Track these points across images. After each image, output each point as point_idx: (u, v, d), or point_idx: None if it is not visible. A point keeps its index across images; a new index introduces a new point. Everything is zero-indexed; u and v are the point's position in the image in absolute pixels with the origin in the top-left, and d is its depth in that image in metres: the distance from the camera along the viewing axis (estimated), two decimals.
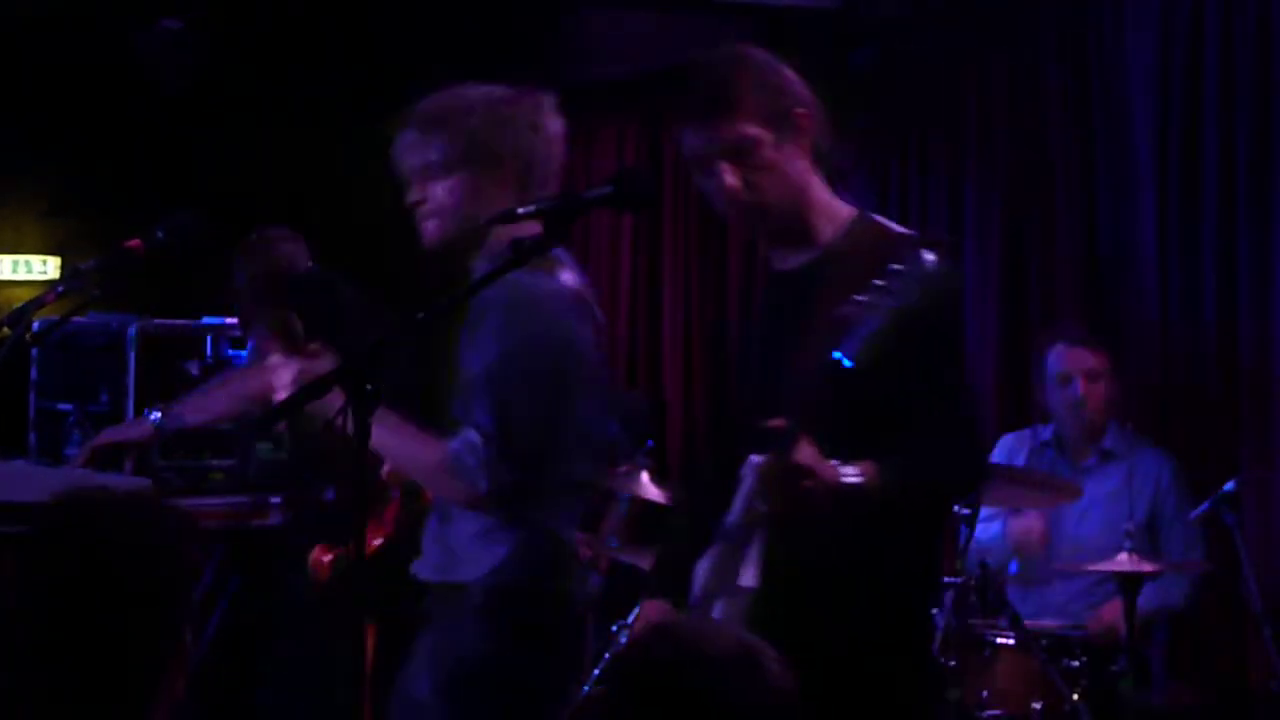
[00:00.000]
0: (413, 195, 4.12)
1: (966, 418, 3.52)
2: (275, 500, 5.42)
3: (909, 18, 7.95)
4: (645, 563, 6.02)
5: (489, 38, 9.30)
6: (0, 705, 2.47)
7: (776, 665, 2.53)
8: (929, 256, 3.24)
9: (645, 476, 6.49)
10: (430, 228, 4.15)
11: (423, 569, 4.01)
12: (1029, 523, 6.29)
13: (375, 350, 3.59)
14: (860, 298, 3.16)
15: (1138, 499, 6.35)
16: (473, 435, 3.85)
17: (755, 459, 3.31)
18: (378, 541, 4.28)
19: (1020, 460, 6.50)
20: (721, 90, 3.58)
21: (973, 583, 5.75)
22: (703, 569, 3.44)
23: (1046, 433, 6.59)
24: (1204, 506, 6.09)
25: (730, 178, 3.55)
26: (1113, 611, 5.91)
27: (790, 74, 3.67)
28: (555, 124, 4.19)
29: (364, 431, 3.35)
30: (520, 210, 3.58)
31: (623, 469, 6.51)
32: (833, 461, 3.26)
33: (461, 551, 3.93)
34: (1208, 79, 6.97)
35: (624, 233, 9.28)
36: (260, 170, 9.35)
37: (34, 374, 7.23)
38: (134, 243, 4.82)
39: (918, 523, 3.52)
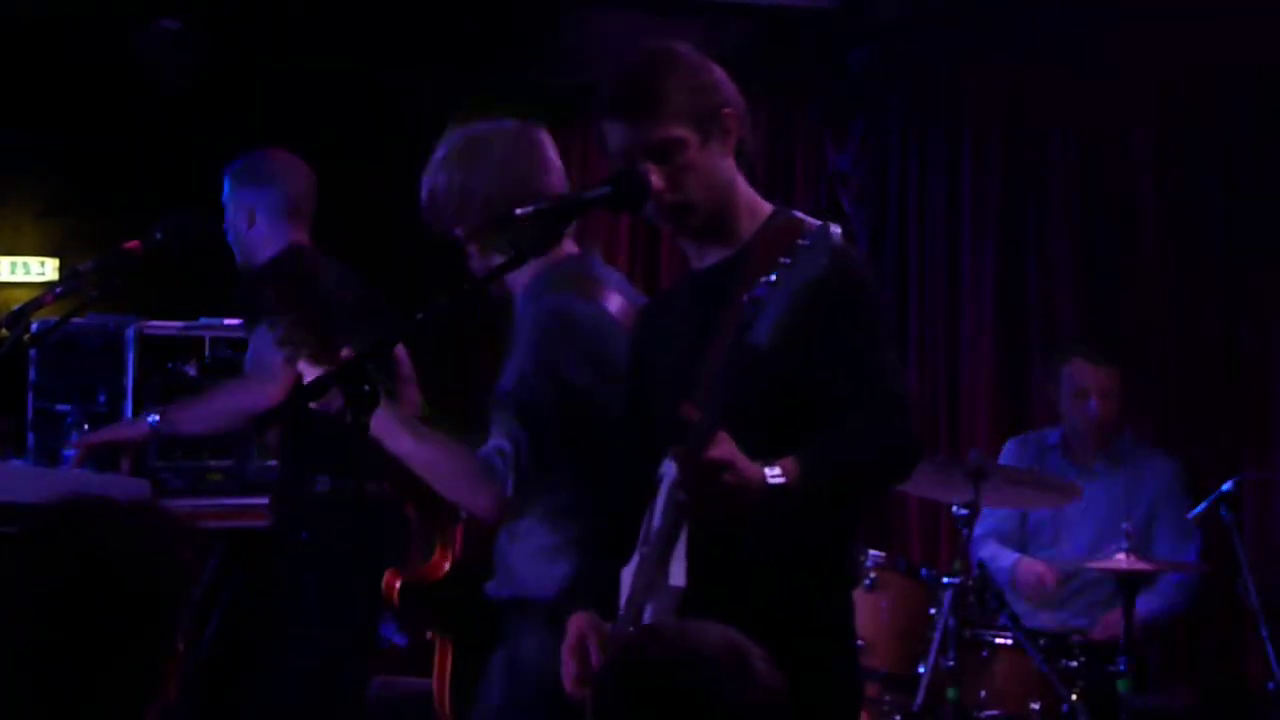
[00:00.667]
0: None
1: (893, 395, 3.38)
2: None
3: (909, 18, 7.95)
4: None
5: (489, 38, 9.31)
6: None
7: (764, 664, 2.53)
8: (835, 231, 3.23)
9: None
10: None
11: (493, 587, 4.07)
12: (1039, 573, 6.30)
13: (373, 351, 3.60)
14: (767, 279, 3.13)
15: (1138, 502, 6.38)
16: (503, 442, 3.90)
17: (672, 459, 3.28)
18: (447, 565, 4.31)
19: (1026, 465, 6.52)
20: (648, 90, 3.57)
21: (971, 583, 5.76)
22: (629, 573, 3.40)
23: (1054, 436, 6.63)
24: (1202, 506, 6.11)
25: (655, 178, 3.53)
26: (1116, 619, 5.93)
27: (719, 71, 3.67)
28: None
29: (362, 431, 3.36)
30: (519, 211, 3.59)
31: None
32: (756, 463, 3.21)
33: (526, 569, 3.99)
34: (1207, 80, 6.98)
35: (621, 233, 9.27)
36: None
37: (32, 375, 7.22)
38: (132, 244, 4.83)
39: (841, 511, 3.47)
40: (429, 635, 4.35)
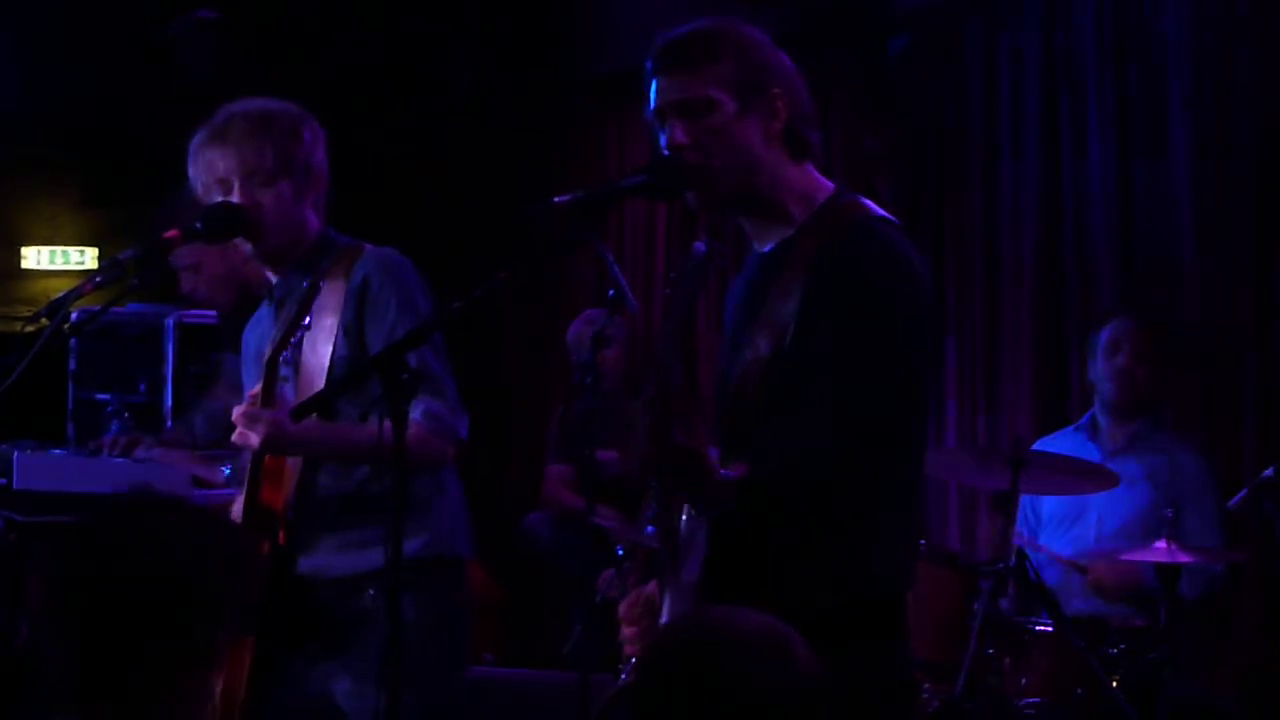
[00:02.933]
0: None
1: (840, 413, 3.33)
2: (225, 468, 5.42)
3: (944, 5, 7.93)
4: None
5: (520, 25, 9.32)
6: (42, 698, 2.48)
7: (804, 650, 2.53)
8: (866, 239, 3.29)
9: None
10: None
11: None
12: (1117, 574, 6.28)
13: (411, 340, 3.61)
14: (796, 284, 3.18)
15: (1162, 487, 6.35)
16: (430, 403, 4.13)
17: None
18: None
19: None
20: (696, 49, 3.60)
21: (1010, 571, 5.74)
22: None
23: (1083, 419, 6.62)
24: (1241, 494, 6.09)
25: (679, 132, 3.55)
26: (1113, 572, 5.97)
27: (783, 60, 3.65)
28: None
29: (401, 420, 3.38)
30: (557, 201, 3.60)
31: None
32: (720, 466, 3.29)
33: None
34: (1241, 63, 6.96)
35: (658, 221, 9.27)
36: None
37: (72, 364, 7.24)
38: (172, 233, 4.83)
39: (851, 512, 3.41)
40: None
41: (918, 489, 3.57)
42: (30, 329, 5.06)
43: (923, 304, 3.48)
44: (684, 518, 3.43)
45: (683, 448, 3.29)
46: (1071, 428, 6.69)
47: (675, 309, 3.54)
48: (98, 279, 4.91)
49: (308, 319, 4.21)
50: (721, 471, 3.30)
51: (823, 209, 3.54)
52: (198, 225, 4.62)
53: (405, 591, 3.70)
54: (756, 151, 3.55)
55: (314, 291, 4.20)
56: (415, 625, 4.00)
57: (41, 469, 5.24)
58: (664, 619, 3.48)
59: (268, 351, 4.21)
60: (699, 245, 3.57)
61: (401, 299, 4.28)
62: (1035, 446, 6.53)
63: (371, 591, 4.18)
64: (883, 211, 3.56)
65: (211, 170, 4.40)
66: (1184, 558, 5.74)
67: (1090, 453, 6.45)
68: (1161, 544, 5.70)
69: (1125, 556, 6.02)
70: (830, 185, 3.62)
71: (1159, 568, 5.80)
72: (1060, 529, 6.53)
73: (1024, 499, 6.39)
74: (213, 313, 6.16)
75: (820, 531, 3.38)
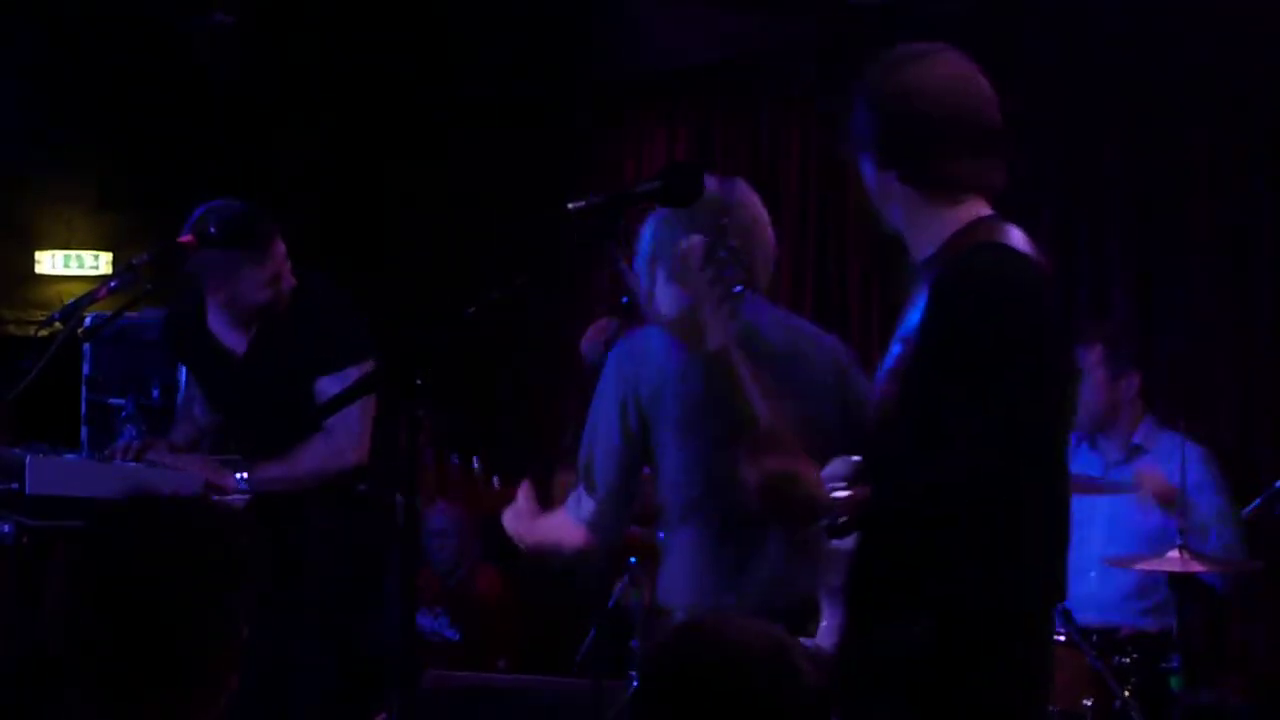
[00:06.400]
0: None
1: (957, 439, 3.35)
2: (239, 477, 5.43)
3: (963, 13, 7.92)
4: None
5: (540, 30, 9.32)
6: (57, 697, 2.49)
7: (808, 662, 2.52)
8: (965, 265, 3.38)
9: None
10: None
11: None
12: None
13: (425, 346, 3.61)
14: (918, 308, 3.29)
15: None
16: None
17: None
18: None
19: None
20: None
21: None
22: None
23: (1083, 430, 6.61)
24: (1256, 503, 6.07)
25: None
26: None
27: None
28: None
29: (415, 426, 3.39)
30: (571, 206, 3.60)
31: None
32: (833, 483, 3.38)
33: None
34: (1258, 74, 6.96)
35: None
36: (312, 166, 9.39)
37: (86, 369, 7.26)
38: (186, 238, 4.83)
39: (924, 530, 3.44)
40: None
41: (1037, 509, 3.51)
42: (44, 333, 5.07)
43: (1019, 327, 3.44)
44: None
45: (777, 475, 3.38)
46: (1073, 437, 6.66)
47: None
48: (112, 284, 4.92)
49: None
50: (840, 491, 3.38)
51: (956, 233, 3.57)
52: (212, 230, 4.62)
53: None
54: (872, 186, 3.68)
55: None
56: None
57: (54, 473, 5.23)
58: (824, 624, 3.58)
59: None
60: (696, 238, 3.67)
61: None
62: None
63: None
64: (1013, 240, 3.56)
65: None
66: (1197, 567, 5.73)
67: (1092, 465, 6.43)
68: (1174, 553, 5.69)
69: (1138, 567, 6.00)
70: (981, 213, 3.63)
71: (1172, 576, 5.78)
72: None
73: None
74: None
75: (929, 552, 3.42)
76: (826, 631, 3.63)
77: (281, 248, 5.44)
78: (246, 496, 5.38)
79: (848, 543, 3.49)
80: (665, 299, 4.28)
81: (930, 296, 3.42)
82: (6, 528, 5.19)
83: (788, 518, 3.55)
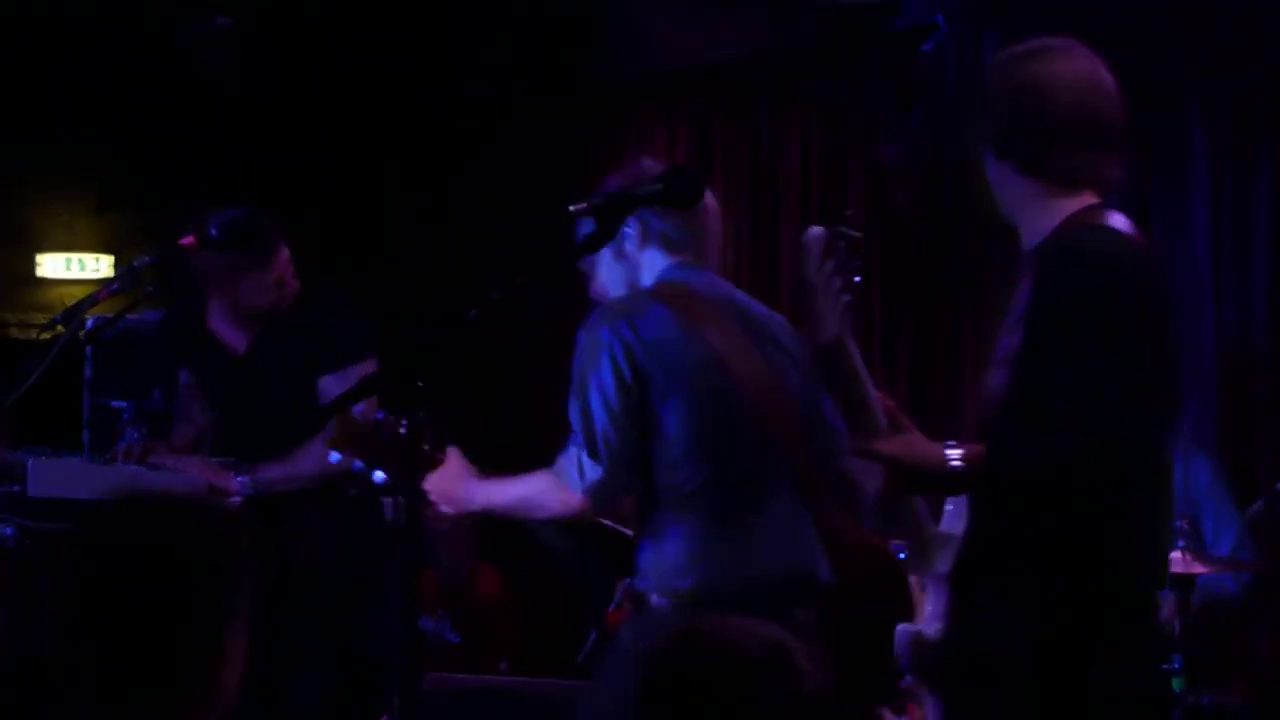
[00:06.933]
0: None
1: (1064, 420, 3.40)
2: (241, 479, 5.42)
3: (969, 10, 7.92)
4: None
5: (540, 31, 9.31)
6: (56, 698, 2.49)
7: (809, 664, 2.52)
8: (1064, 247, 3.51)
9: None
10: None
11: None
12: None
13: (427, 348, 3.61)
14: (1025, 289, 3.44)
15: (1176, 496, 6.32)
16: (570, 449, 4.21)
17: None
18: None
19: None
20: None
21: None
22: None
23: None
24: (1257, 505, 6.07)
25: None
26: None
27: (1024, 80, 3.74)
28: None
29: (417, 429, 3.39)
30: (572, 209, 3.61)
31: None
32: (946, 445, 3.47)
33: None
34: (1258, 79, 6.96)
35: None
36: (313, 168, 9.38)
37: (88, 372, 7.26)
38: (188, 240, 4.83)
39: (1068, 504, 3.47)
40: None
41: (1142, 491, 3.53)
42: (46, 336, 5.08)
43: (1124, 308, 3.50)
44: (944, 512, 3.64)
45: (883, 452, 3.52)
46: None
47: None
48: (114, 286, 4.92)
49: None
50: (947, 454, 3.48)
51: (1065, 221, 3.63)
52: (213, 233, 4.62)
53: None
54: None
55: None
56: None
57: (56, 476, 5.24)
58: (929, 609, 3.62)
59: None
60: (815, 229, 3.72)
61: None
62: None
63: None
64: (1116, 223, 3.65)
65: None
66: (1199, 568, 5.72)
67: None
68: (1176, 554, 5.69)
69: None
70: (1087, 200, 3.69)
71: (1173, 578, 5.78)
72: None
73: None
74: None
75: (1038, 535, 3.47)
76: (930, 618, 3.67)
77: (286, 253, 5.44)
78: (247, 497, 5.38)
79: (956, 528, 3.55)
80: (610, 279, 4.47)
81: (1035, 281, 3.52)
82: (8, 530, 5.19)
83: (917, 488, 3.61)
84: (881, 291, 8.33)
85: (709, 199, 4.38)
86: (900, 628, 3.79)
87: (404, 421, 3.84)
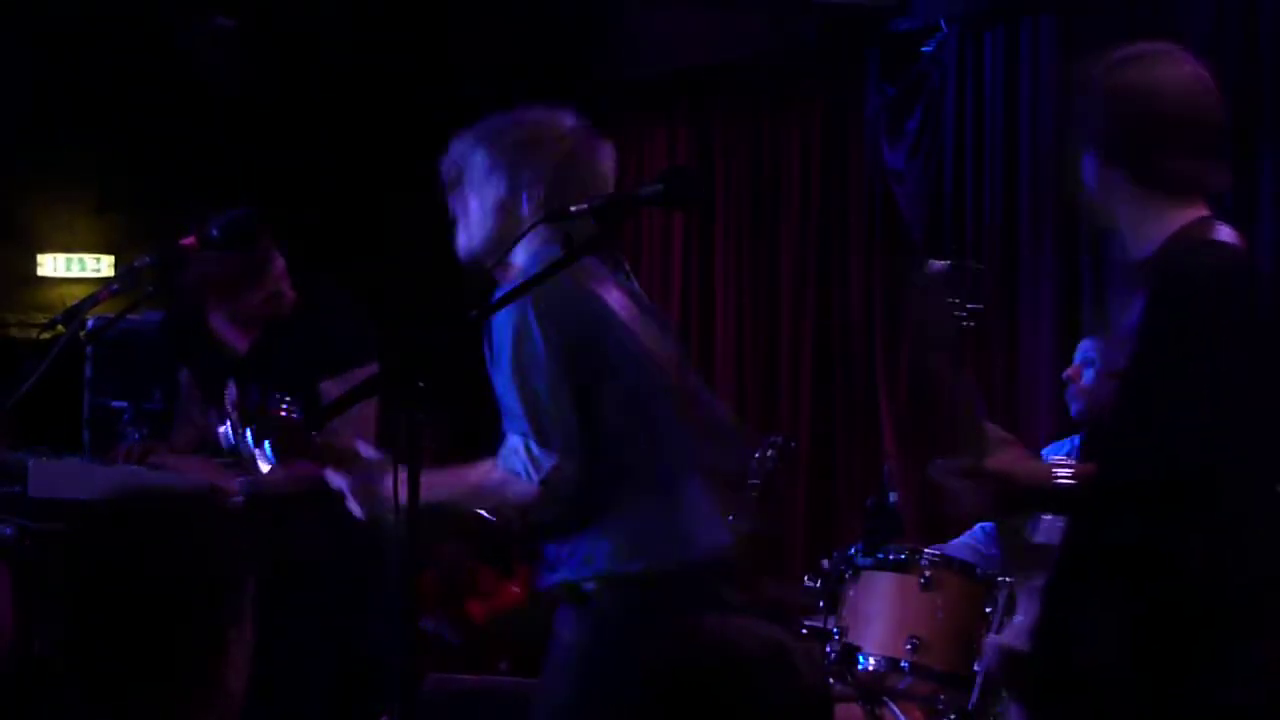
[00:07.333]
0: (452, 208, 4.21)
1: (1180, 427, 3.40)
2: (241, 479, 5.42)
3: (964, 14, 7.93)
4: None
5: (540, 35, 9.32)
6: (56, 698, 2.49)
7: (807, 665, 2.52)
8: (1178, 260, 3.45)
9: None
10: (461, 240, 4.30)
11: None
12: None
13: (427, 348, 3.60)
14: (1139, 303, 3.40)
15: None
16: (512, 439, 3.99)
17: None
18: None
19: None
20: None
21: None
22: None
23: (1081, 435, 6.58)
24: None
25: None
26: None
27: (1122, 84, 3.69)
28: (601, 151, 4.26)
29: (417, 430, 3.38)
30: (573, 209, 3.60)
31: None
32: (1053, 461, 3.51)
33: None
34: (1266, 55, 6.96)
35: (675, 232, 9.26)
36: (313, 168, 9.39)
37: (88, 372, 7.25)
38: (188, 240, 4.82)
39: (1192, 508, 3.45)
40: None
41: (1255, 501, 3.52)
42: (46, 336, 5.07)
43: (1238, 324, 3.49)
44: (1041, 524, 3.64)
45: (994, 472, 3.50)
46: (1070, 439, 6.65)
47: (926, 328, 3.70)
48: (114, 286, 4.91)
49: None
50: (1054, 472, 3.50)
51: (1175, 234, 3.58)
52: (214, 233, 4.61)
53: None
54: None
55: None
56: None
57: (56, 476, 5.24)
58: (1018, 621, 3.63)
59: None
60: (936, 264, 3.69)
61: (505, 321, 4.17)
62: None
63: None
64: (1227, 236, 3.59)
65: None
66: None
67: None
68: None
69: None
70: (1198, 211, 3.63)
71: None
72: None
73: None
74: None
75: (1157, 532, 3.45)
76: (1018, 629, 3.67)
77: (281, 263, 5.44)
78: (248, 498, 5.37)
79: (1053, 538, 3.56)
80: (479, 229, 4.30)
81: (1150, 295, 3.48)
82: (8, 530, 5.19)
83: (1024, 506, 3.63)
84: (881, 292, 8.34)
85: (595, 134, 4.34)
86: (989, 639, 3.82)
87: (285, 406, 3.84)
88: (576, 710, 4.09)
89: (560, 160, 4.20)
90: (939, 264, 3.66)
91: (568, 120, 4.36)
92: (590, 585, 4.10)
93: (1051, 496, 3.49)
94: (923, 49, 8.04)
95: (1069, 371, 6.28)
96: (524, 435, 4.01)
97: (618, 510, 4.14)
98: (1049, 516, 3.67)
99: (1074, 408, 6.35)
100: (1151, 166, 3.59)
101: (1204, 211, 3.61)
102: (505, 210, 4.23)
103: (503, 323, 4.05)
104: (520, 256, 4.20)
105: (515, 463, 4.02)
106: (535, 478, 4.00)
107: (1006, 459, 3.52)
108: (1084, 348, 6.30)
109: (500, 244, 4.20)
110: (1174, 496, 3.38)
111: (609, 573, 4.11)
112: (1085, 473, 3.44)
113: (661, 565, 4.10)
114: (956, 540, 6.26)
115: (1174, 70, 3.64)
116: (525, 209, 4.18)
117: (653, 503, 4.16)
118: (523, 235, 4.09)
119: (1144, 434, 3.43)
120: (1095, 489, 3.45)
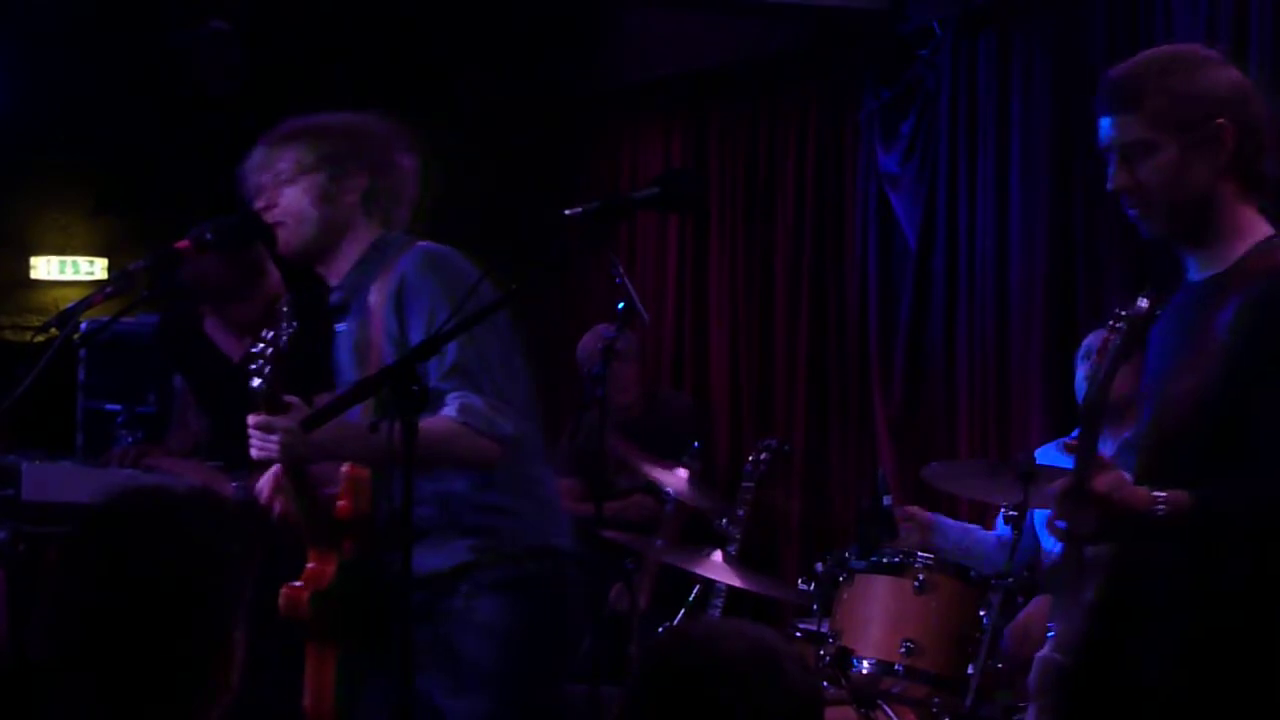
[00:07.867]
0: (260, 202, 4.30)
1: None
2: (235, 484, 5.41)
3: (957, 18, 7.92)
4: (688, 565, 5.97)
5: (535, 38, 9.32)
6: (47, 701, 2.48)
7: (796, 666, 2.52)
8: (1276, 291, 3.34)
9: (686, 478, 6.41)
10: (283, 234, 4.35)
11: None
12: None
13: (422, 350, 3.60)
14: (1222, 322, 3.30)
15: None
16: (468, 398, 4.02)
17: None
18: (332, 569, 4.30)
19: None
20: (1128, 88, 3.57)
21: (1020, 585, 5.72)
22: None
23: (1075, 432, 6.55)
24: None
25: (1120, 172, 3.58)
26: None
27: (1226, 83, 3.57)
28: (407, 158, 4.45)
29: (411, 431, 3.38)
30: (567, 212, 3.60)
31: (670, 470, 6.43)
32: (1150, 489, 3.36)
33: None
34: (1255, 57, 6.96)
35: (670, 234, 9.26)
36: None
37: (81, 375, 7.25)
38: (182, 243, 4.82)
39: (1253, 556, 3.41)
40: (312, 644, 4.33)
41: None
42: (40, 339, 5.07)
43: None
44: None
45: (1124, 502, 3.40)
46: (1065, 440, 6.63)
47: (1111, 362, 3.58)
48: (108, 290, 4.91)
49: (342, 324, 4.26)
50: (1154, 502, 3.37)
51: (1256, 248, 3.53)
52: (208, 236, 4.62)
53: (495, 591, 4.01)
54: (1206, 188, 3.53)
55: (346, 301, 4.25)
56: (504, 627, 4.13)
57: (50, 480, 5.24)
58: (1051, 634, 3.59)
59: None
60: (1143, 301, 3.59)
61: (438, 292, 4.15)
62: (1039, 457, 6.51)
63: (463, 588, 4.18)
64: None
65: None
66: None
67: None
68: None
69: None
70: (1269, 229, 3.58)
71: None
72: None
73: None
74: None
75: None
76: (1061, 642, 3.62)
77: (277, 275, 5.44)
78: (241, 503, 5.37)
79: (1101, 551, 3.51)
80: (307, 217, 4.34)
81: (1244, 308, 3.39)
82: (2, 534, 5.19)
83: (1124, 532, 3.46)
84: (880, 294, 8.34)
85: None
86: (1039, 655, 3.79)
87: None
88: (517, 681, 4.16)
89: (378, 156, 4.40)
90: (1144, 302, 3.61)
91: (378, 121, 4.54)
92: (528, 563, 4.20)
93: (1151, 524, 3.36)
94: (918, 52, 8.04)
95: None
96: (481, 391, 4.05)
97: (538, 480, 4.31)
98: None
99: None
100: (1257, 175, 3.54)
101: (1266, 227, 3.57)
102: (330, 201, 4.33)
103: (429, 276, 4.18)
104: (351, 247, 4.33)
105: (477, 416, 4.04)
106: (495, 433, 4.04)
107: (1109, 479, 3.42)
108: (1089, 343, 6.31)
109: (327, 235, 4.33)
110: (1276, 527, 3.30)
111: (538, 546, 4.23)
112: (1178, 501, 3.34)
113: (573, 539, 4.29)
114: (990, 533, 6.25)
115: (1235, 73, 3.59)
116: (349, 199, 4.33)
117: (551, 476, 4.37)
118: (350, 226, 4.29)
119: (1241, 456, 3.36)
120: (1195, 517, 3.35)
